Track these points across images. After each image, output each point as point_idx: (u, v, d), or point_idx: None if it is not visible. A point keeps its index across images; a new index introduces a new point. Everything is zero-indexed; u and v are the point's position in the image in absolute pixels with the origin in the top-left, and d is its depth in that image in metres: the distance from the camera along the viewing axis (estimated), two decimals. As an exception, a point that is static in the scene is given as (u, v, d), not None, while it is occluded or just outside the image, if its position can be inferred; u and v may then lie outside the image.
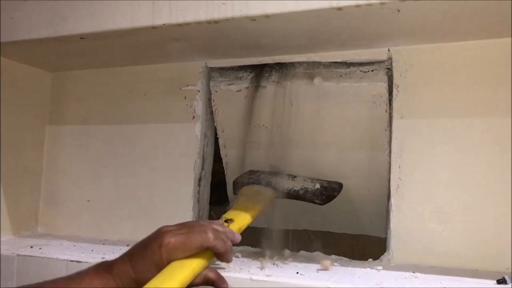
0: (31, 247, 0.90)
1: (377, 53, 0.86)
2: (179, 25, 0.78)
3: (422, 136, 0.82)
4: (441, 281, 0.68)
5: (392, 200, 0.83)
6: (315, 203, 0.90)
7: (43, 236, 1.04)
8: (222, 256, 0.64)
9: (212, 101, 0.99)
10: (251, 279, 0.67)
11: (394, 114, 0.84)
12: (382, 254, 0.83)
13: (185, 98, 0.99)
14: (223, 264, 0.70)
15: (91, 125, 1.08)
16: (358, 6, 0.67)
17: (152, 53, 0.95)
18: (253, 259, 0.81)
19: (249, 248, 0.92)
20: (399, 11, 0.68)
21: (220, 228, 0.66)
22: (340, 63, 0.88)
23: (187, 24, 0.77)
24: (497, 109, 0.78)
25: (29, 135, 1.08)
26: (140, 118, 1.03)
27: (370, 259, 0.83)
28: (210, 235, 0.62)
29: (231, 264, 0.73)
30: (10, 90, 1.02)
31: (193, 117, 0.98)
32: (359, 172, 0.95)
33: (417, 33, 0.79)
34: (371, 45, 0.84)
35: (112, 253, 0.82)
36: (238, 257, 0.82)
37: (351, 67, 0.87)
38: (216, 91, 0.97)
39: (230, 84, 0.95)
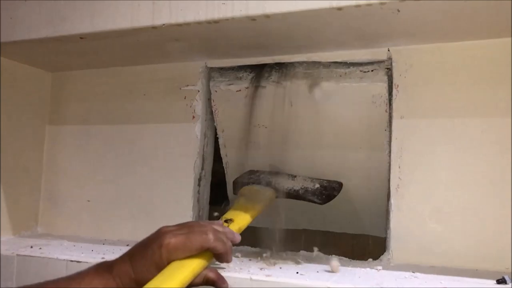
0: (31, 247, 0.90)
1: (377, 53, 0.86)
2: (179, 25, 0.78)
3: (422, 136, 0.82)
4: (441, 281, 0.68)
5: (392, 200, 0.83)
6: (315, 202, 0.90)
7: (43, 236, 1.04)
8: (222, 256, 0.64)
9: (212, 101, 0.99)
10: (251, 279, 0.67)
11: (394, 114, 0.84)
12: (382, 253, 0.83)
13: (185, 98, 0.99)
14: (222, 264, 0.70)
15: (91, 125, 1.08)
16: (358, 6, 0.67)
17: (152, 53, 0.95)
18: (250, 259, 0.81)
19: (249, 248, 0.92)
20: (399, 11, 0.68)
21: (220, 229, 0.66)
22: (340, 63, 0.88)
23: (187, 24, 0.77)
24: (497, 109, 0.78)
25: (29, 135, 1.08)
26: (140, 118, 1.03)
27: (370, 259, 0.83)
28: (210, 236, 0.62)
29: (231, 264, 0.73)
30: (10, 90, 1.02)
31: (193, 117, 0.98)
32: (359, 172, 0.95)
33: (417, 33, 0.79)
34: (371, 45, 0.84)
35: (112, 253, 0.82)
36: (238, 257, 0.82)
37: (351, 67, 0.87)
38: (216, 91, 0.97)
39: (230, 84, 0.95)
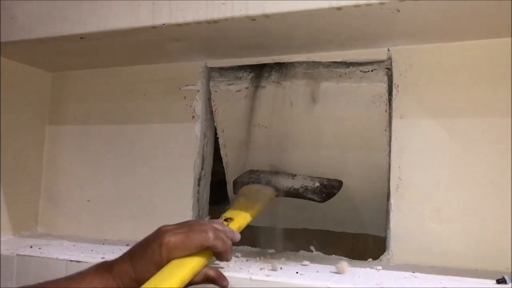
0: (31, 247, 0.90)
1: (377, 53, 0.86)
2: (179, 25, 0.78)
3: (422, 136, 0.82)
4: (441, 281, 0.68)
5: (392, 200, 0.83)
6: (315, 200, 0.91)
7: (43, 236, 1.04)
8: (221, 255, 0.64)
9: (212, 101, 0.99)
10: (250, 279, 0.67)
11: (394, 114, 0.84)
12: (382, 253, 0.83)
13: (185, 98, 0.99)
14: (222, 264, 0.70)
15: (91, 125, 1.08)
16: (357, 6, 0.67)
17: (152, 53, 0.95)
18: (250, 259, 0.81)
19: (249, 248, 0.92)
20: (398, 11, 0.68)
21: (220, 227, 0.66)
22: (340, 63, 0.88)
23: (187, 24, 0.77)
24: (497, 109, 0.78)
25: (29, 135, 1.08)
26: (140, 118, 1.03)
27: (370, 259, 0.83)
28: (210, 234, 0.62)
29: (231, 264, 0.73)
30: (10, 90, 1.02)
31: (193, 117, 0.98)
32: (359, 172, 0.95)
33: (417, 33, 0.79)
34: (370, 45, 0.84)
35: (112, 253, 0.82)
36: (238, 256, 0.82)
37: (351, 67, 0.87)
38: (216, 91, 0.97)
39: (230, 84, 0.95)
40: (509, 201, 0.76)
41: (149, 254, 0.60)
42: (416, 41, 0.82)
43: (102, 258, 0.78)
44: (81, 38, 0.86)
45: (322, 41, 0.84)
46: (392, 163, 0.84)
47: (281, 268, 0.74)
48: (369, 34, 0.79)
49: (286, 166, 0.97)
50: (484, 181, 0.78)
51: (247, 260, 0.80)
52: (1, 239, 0.97)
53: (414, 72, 0.83)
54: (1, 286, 0.84)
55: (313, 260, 0.81)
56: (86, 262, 0.76)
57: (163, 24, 0.78)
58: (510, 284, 0.65)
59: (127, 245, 0.65)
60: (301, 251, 0.88)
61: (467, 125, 0.80)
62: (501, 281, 0.66)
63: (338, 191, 0.93)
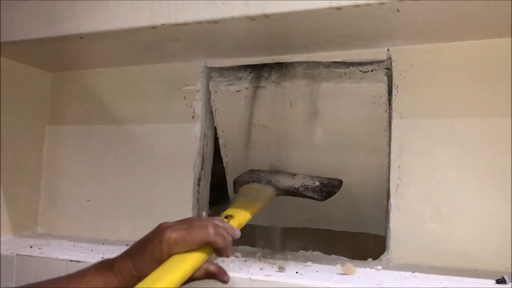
0: (31, 247, 0.90)
1: (377, 53, 0.86)
2: (179, 25, 0.78)
3: (422, 136, 0.82)
4: (440, 281, 0.68)
5: (392, 200, 0.83)
6: (315, 199, 0.91)
7: (43, 236, 1.04)
8: (221, 251, 0.64)
9: (212, 101, 0.99)
10: (250, 279, 0.67)
11: (394, 114, 0.84)
12: (382, 253, 0.83)
13: (184, 98, 0.99)
14: (222, 264, 0.70)
15: (91, 125, 1.08)
16: (357, 6, 0.67)
17: (152, 53, 0.95)
18: (246, 260, 0.81)
19: (248, 248, 0.92)
20: (398, 11, 0.68)
21: (220, 224, 0.66)
22: (340, 63, 0.88)
23: (187, 24, 0.77)
24: (497, 109, 0.78)
25: (29, 135, 1.08)
26: (140, 118, 1.03)
27: (370, 259, 0.83)
28: (211, 230, 0.62)
29: (230, 264, 0.73)
30: (10, 90, 1.02)
31: (193, 117, 0.98)
32: (359, 172, 0.95)
33: (417, 33, 0.79)
34: (370, 45, 0.84)
35: (112, 253, 0.82)
36: (237, 256, 0.82)
37: (351, 67, 0.87)
38: (216, 92, 0.97)
39: (229, 85, 0.95)
40: (509, 201, 0.76)
41: (150, 250, 0.60)
42: (416, 41, 0.82)
43: (102, 258, 0.77)
44: (81, 38, 0.86)
45: (322, 41, 0.84)
46: (392, 163, 0.84)
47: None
48: (369, 34, 0.79)
49: (286, 165, 0.97)
50: (484, 181, 0.78)
51: (245, 260, 0.80)
52: (1, 239, 0.97)
53: (414, 72, 0.83)
54: (1, 286, 0.84)
55: (313, 260, 0.81)
56: (86, 262, 0.76)
57: (163, 24, 0.78)
58: (510, 284, 0.65)
59: (127, 245, 0.65)
60: (300, 251, 0.88)
61: (467, 125, 0.80)
62: (500, 281, 0.66)
63: (338, 190, 0.93)
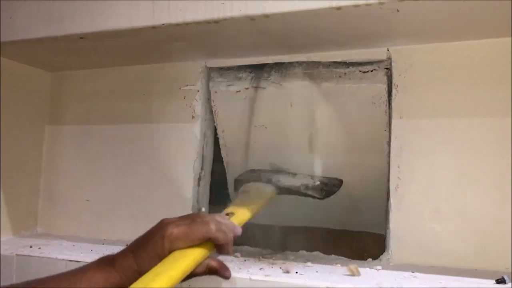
0: (31, 247, 0.90)
1: (377, 53, 0.86)
2: (179, 25, 0.78)
3: (422, 136, 0.82)
4: (440, 281, 0.68)
5: (392, 200, 0.83)
6: (315, 197, 0.91)
7: (42, 236, 1.04)
8: (223, 247, 0.64)
9: (212, 101, 0.99)
10: (250, 279, 0.67)
11: (394, 114, 0.84)
12: (382, 252, 0.83)
13: (184, 98, 0.99)
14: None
15: (91, 125, 1.08)
16: (357, 6, 0.67)
17: (152, 53, 0.95)
18: (245, 260, 0.81)
19: (248, 248, 0.92)
20: (398, 10, 0.68)
21: (221, 220, 0.67)
22: (340, 63, 0.88)
23: (187, 24, 0.77)
24: (497, 109, 0.78)
25: (28, 135, 1.08)
26: (140, 118, 1.03)
27: (370, 259, 0.83)
28: (212, 226, 0.62)
29: (230, 264, 0.73)
30: (10, 90, 1.02)
31: (193, 117, 0.98)
32: (359, 172, 0.95)
33: (417, 32, 0.79)
34: (370, 45, 0.84)
35: (112, 253, 0.82)
36: (237, 257, 0.82)
37: (351, 67, 0.87)
38: (216, 92, 0.97)
39: (229, 85, 0.95)
40: (509, 201, 0.76)
41: (151, 246, 0.61)
42: (415, 41, 0.82)
43: (102, 258, 0.78)
44: (81, 38, 0.86)
45: (322, 41, 0.84)
46: (392, 163, 0.84)
47: (280, 268, 0.74)
48: (369, 34, 0.79)
49: (286, 165, 0.97)
50: (484, 181, 0.78)
51: (245, 260, 0.80)
52: (1, 239, 0.97)
53: (414, 72, 0.83)
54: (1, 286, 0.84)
55: (313, 260, 0.81)
56: (86, 262, 0.75)
57: (163, 24, 0.78)
58: (509, 284, 0.65)
59: (126, 245, 0.65)
60: (300, 251, 0.88)
61: (467, 125, 0.80)
62: (500, 281, 0.66)
63: (338, 189, 0.94)
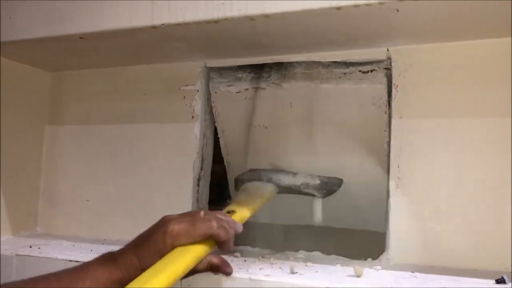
0: (30, 247, 0.90)
1: (376, 53, 0.86)
2: (178, 25, 0.78)
3: (421, 135, 0.82)
4: (440, 281, 0.68)
5: (391, 200, 0.82)
6: (315, 196, 0.92)
7: (42, 236, 1.04)
8: (224, 244, 0.64)
9: (212, 102, 0.99)
10: (250, 278, 0.67)
11: (393, 114, 0.84)
12: (381, 252, 0.83)
13: (184, 98, 0.99)
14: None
15: (91, 125, 1.08)
16: (357, 6, 0.67)
17: (152, 53, 0.95)
18: (245, 260, 0.81)
19: (248, 248, 0.92)
20: (398, 10, 0.68)
21: (223, 217, 0.67)
22: (339, 63, 0.88)
23: (186, 24, 0.77)
24: (497, 109, 0.78)
25: (28, 135, 1.08)
26: (140, 118, 1.03)
27: (369, 259, 0.83)
28: (214, 223, 0.62)
29: (230, 264, 0.73)
30: (10, 90, 1.02)
31: (192, 117, 0.98)
32: (359, 172, 0.95)
33: (416, 32, 0.79)
34: (370, 45, 0.84)
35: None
36: (237, 257, 0.82)
37: (350, 67, 0.87)
38: (216, 92, 0.97)
39: (229, 86, 0.95)
40: (509, 201, 0.76)
41: (153, 242, 0.60)
42: (415, 41, 0.82)
43: (102, 258, 0.78)
44: (80, 38, 0.86)
45: (321, 41, 0.84)
46: (392, 163, 0.83)
47: (280, 268, 0.74)
48: (369, 34, 0.79)
49: (287, 165, 0.97)
50: (484, 181, 0.78)
51: (245, 260, 0.80)
52: (1, 239, 0.97)
53: (414, 72, 0.83)
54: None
55: (312, 260, 0.81)
56: (86, 262, 0.76)
57: (163, 24, 0.78)
58: (509, 284, 0.65)
59: (122, 247, 0.65)
60: (300, 251, 0.88)
61: (467, 125, 0.80)
62: (500, 281, 0.66)
63: (338, 188, 0.94)
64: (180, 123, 0.99)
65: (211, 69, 0.99)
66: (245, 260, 0.80)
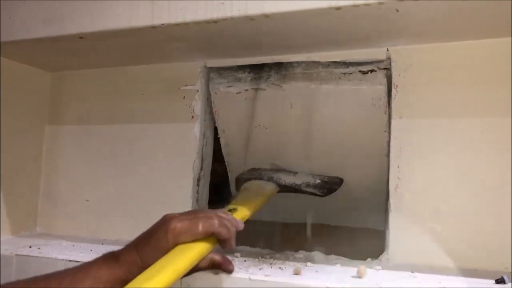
0: (30, 247, 0.90)
1: (376, 53, 0.86)
2: (178, 25, 0.78)
3: (421, 136, 0.82)
4: (440, 281, 0.68)
5: (391, 200, 0.82)
6: (316, 194, 0.92)
7: (42, 236, 1.04)
8: (225, 242, 0.65)
9: (212, 102, 0.99)
10: (250, 279, 0.67)
11: (393, 114, 0.84)
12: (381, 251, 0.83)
13: (184, 98, 0.99)
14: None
15: (90, 125, 1.08)
16: (356, 6, 0.67)
17: (151, 53, 0.95)
18: (245, 260, 0.80)
19: (248, 248, 0.92)
20: (397, 10, 0.68)
21: (224, 215, 0.67)
22: (339, 62, 0.88)
23: (186, 24, 0.77)
24: (497, 109, 0.78)
25: (28, 135, 1.08)
26: (139, 118, 1.03)
27: (369, 259, 0.83)
28: (215, 221, 0.63)
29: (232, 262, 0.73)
30: (10, 90, 1.02)
31: (192, 117, 0.98)
32: (359, 172, 0.95)
33: (416, 32, 0.79)
34: (370, 45, 0.84)
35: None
36: (237, 257, 0.82)
37: (350, 67, 0.87)
38: (216, 93, 0.97)
39: (229, 87, 0.95)
40: (509, 201, 0.76)
41: (155, 240, 0.61)
42: (415, 41, 0.82)
43: (101, 258, 0.78)
44: (80, 38, 0.86)
45: (321, 41, 0.84)
46: (391, 163, 0.83)
47: (280, 268, 0.74)
48: (368, 34, 0.79)
49: (287, 165, 0.97)
50: (483, 181, 0.78)
51: (245, 261, 0.80)
52: (1, 239, 0.97)
53: (414, 72, 0.83)
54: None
55: (312, 260, 0.81)
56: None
57: (162, 24, 0.78)
58: (509, 284, 0.65)
59: (124, 246, 0.65)
60: (300, 251, 0.88)
61: (467, 125, 0.80)
62: (500, 281, 0.66)
63: (339, 187, 0.95)
64: (180, 123, 0.99)
65: (211, 69, 0.98)
66: (245, 260, 0.80)
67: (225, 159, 1.06)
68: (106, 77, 1.07)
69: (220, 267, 0.66)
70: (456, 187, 0.79)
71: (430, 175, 0.81)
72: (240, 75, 0.95)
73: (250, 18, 0.73)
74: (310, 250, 0.88)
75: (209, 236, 0.63)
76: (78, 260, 0.79)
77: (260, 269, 0.73)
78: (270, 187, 0.91)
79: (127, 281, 0.56)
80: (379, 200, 0.91)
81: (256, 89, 0.93)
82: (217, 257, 0.66)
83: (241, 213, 0.75)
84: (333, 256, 0.86)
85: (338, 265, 0.78)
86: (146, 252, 0.61)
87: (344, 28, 0.76)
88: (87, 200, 1.06)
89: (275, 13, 0.71)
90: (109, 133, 1.06)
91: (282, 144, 0.98)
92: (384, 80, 0.85)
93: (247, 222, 0.75)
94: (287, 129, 0.96)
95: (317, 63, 0.89)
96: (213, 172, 1.04)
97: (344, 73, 0.87)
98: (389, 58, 0.85)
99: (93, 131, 1.07)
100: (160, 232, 0.61)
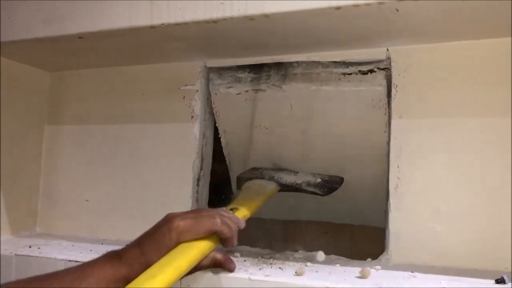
0: (30, 247, 0.90)
1: (376, 52, 0.86)
2: (178, 24, 0.78)
3: (421, 135, 0.82)
4: (440, 280, 0.68)
5: (391, 200, 0.82)
6: (317, 194, 0.92)
7: (42, 236, 1.04)
8: (228, 240, 0.66)
9: (212, 103, 0.98)
10: (249, 279, 0.67)
11: (393, 114, 0.84)
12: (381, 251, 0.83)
13: (184, 98, 0.99)
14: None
15: (90, 125, 1.08)
16: (356, 5, 0.67)
17: (151, 53, 0.95)
18: (245, 260, 0.80)
19: (248, 248, 0.92)
20: (397, 10, 0.68)
21: (226, 214, 0.68)
22: (339, 62, 0.88)
23: (186, 24, 0.77)
24: (497, 109, 0.78)
25: (28, 135, 1.08)
26: (139, 118, 1.03)
27: (369, 259, 0.83)
28: (218, 220, 0.64)
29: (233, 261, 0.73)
30: (10, 90, 1.01)
31: (192, 116, 0.98)
32: (359, 172, 0.95)
33: (416, 32, 0.79)
34: (370, 44, 0.84)
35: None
36: (237, 257, 0.82)
37: (350, 67, 0.87)
38: (216, 94, 0.97)
39: (229, 87, 0.95)
40: (509, 201, 0.76)
41: (158, 238, 0.62)
42: (415, 40, 0.82)
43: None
44: (80, 38, 0.86)
45: (321, 41, 0.84)
46: (391, 163, 0.83)
47: (280, 268, 0.74)
48: (368, 33, 0.79)
49: (288, 165, 0.98)
50: (483, 181, 0.78)
51: (245, 261, 0.80)
52: (1, 239, 0.97)
53: (413, 72, 0.83)
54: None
55: (312, 260, 0.81)
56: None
57: (162, 24, 0.78)
58: (509, 284, 0.65)
59: (126, 245, 0.65)
60: (300, 251, 0.88)
61: (467, 125, 0.80)
62: (500, 281, 0.66)
63: (339, 186, 0.95)
64: (179, 123, 0.99)
65: (210, 69, 0.98)
66: (245, 260, 0.80)
67: (226, 159, 1.06)
68: (106, 77, 1.07)
69: (222, 265, 0.67)
70: (456, 187, 0.79)
71: (430, 175, 0.81)
72: (240, 75, 0.95)
73: (250, 18, 0.73)
74: (310, 250, 0.88)
75: (212, 234, 0.64)
76: (78, 260, 0.78)
77: (260, 269, 0.73)
78: (271, 186, 0.91)
79: (131, 279, 0.57)
80: (379, 200, 0.91)
81: (256, 90, 0.93)
82: (219, 256, 0.67)
83: (243, 212, 0.76)
84: (333, 256, 0.86)
85: (338, 265, 0.78)
86: (149, 249, 0.61)
87: (344, 28, 0.76)
88: (87, 200, 1.06)
89: (275, 13, 0.71)
90: (108, 133, 1.05)
91: (283, 145, 0.98)
92: (384, 81, 0.85)
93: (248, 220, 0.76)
94: (288, 130, 0.96)
95: (317, 63, 0.89)
96: (213, 172, 1.04)
97: (344, 74, 0.87)
98: (389, 58, 0.85)
99: (93, 131, 1.07)
100: (163, 230, 0.62)
